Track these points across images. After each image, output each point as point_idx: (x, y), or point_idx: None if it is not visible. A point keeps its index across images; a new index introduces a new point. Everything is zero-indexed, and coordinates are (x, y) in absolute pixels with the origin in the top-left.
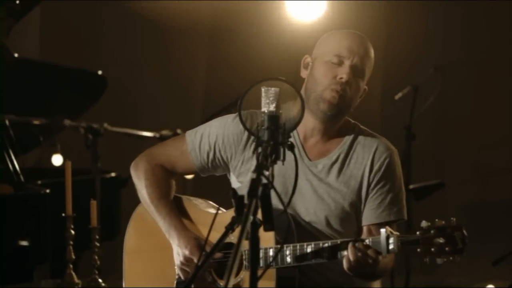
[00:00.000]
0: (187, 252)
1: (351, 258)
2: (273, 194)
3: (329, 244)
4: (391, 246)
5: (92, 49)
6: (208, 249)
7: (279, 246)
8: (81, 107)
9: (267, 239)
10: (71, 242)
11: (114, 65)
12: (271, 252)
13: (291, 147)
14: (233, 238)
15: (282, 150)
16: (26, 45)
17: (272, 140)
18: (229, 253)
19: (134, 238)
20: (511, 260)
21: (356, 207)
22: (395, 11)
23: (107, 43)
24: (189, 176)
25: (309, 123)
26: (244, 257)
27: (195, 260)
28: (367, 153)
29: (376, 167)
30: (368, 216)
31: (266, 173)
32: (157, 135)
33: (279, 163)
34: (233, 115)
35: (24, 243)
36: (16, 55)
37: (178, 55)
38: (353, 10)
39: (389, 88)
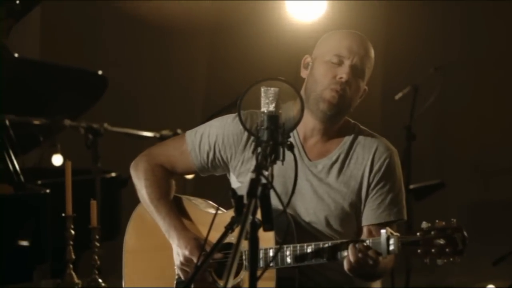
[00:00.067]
0: (187, 253)
1: (352, 259)
2: (273, 194)
3: (329, 244)
4: (391, 247)
5: (93, 49)
6: (208, 249)
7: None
8: (81, 107)
9: (267, 239)
10: (71, 242)
11: (114, 65)
12: (271, 253)
13: (291, 147)
14: (233, 238)
15: (281, 150)
16: (26, 45)
17: (272, 140)
18: (229, 253)
19: (134, 238)
20: None
21: (356, 207)
22: (395, 11)
23: (107, 43)
24: (189, 176)
25: (309, 123)
26: (244, 257)
27: (195, 260)
28: (367, 154)
29: (376, 168)
30: (368, 217)
31: (266, 173)
32: (158, 135)
33: (279, 163)
34: (233, 115)
35: (24, 243)
36: (16, 55)
37: (178, 55)
38: (354, 10)
39: (389, 88)
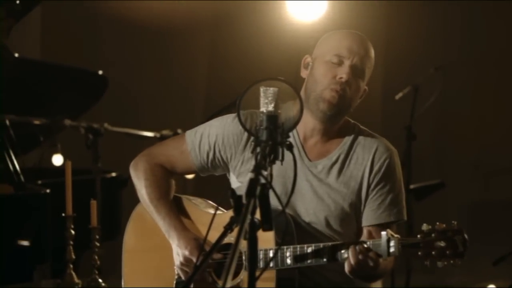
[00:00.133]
0: (187, 253)
1: (352, 261)
2: (272, 194)
3: (329, 246)
4: (392, 249)
5: (93, 48)
6: (207, 249)
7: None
8: (81, 107)
9: (267, 240)
10: (71, 242)
11: (115, 64)
12: (271, 254)
13: (290, 147)
14: (233, 239)
15: (280, 150)
16: (27, 45)
17: (271, 140)
18: (228, 254)
19: (133, 237)
20: None
21: (356, 208)
22: (395, 11)
23: (107, 42)
24: (190, 176)
25: (309, 123)
26: (244, 257)
27: (195, 261)
28: (367, 154)
29: (376, 168)
30: (368, 217)
31: (265, 173)
32: (158, 135)
33: (279, 163)
34: (233, 115)
35: (24, 243)
36: (16, 55)
37: (178, 54)
38: (354, 10)
39: (390, 88)
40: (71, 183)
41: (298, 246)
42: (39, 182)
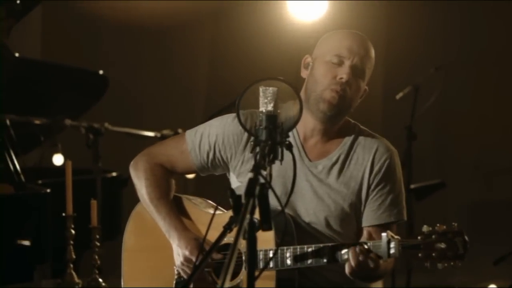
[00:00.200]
0: (187, 253)
1: (353, 262)
2: (272, 194)
3: (329, 246)
4: (392, 251)
5: (93, 48)
6: (207, 249)
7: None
8: (82, 107)
9: (267, 240)
10: (72, 242)
11: (115, 64)
12: (271, 254)
13: (289, 147)
14: (232, 239)
15: (280, 149)
16: (27, 45)
17: (270, 139)
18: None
19: (133, 237)
20: None
21: (356, 208)
22: (396, 11)
23: (108, 42)
24: (190, 176)
25: (309, 124)
26: (243, 257)
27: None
28: (367, 154)
29: (376, 169)
30: (368, 218)
31: (264, 172)
32: (158, 134)
33: (279, 163)
34: (233, 114)
35: (25, 243)
36: (17, 54)
37: (179, 54)
38: (354, 10)
39: (390, 88)
40: (72, 183)
41: (298, 246)
42: (40, 182)
